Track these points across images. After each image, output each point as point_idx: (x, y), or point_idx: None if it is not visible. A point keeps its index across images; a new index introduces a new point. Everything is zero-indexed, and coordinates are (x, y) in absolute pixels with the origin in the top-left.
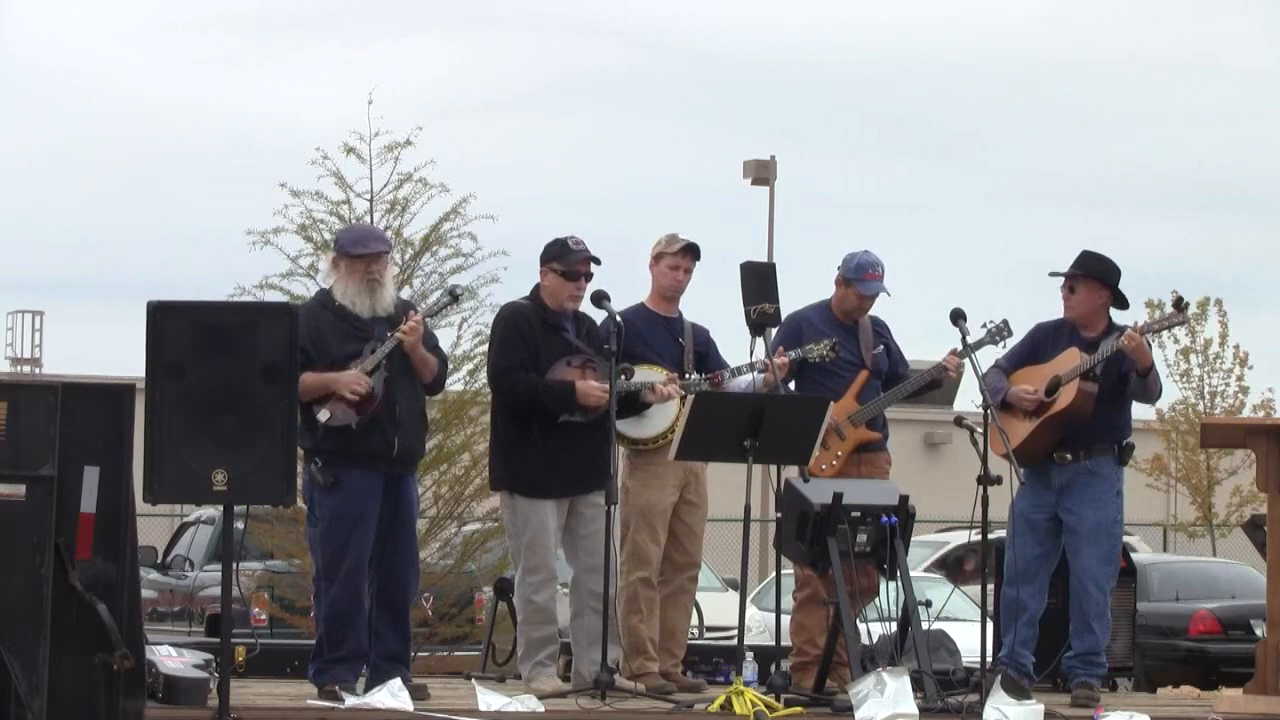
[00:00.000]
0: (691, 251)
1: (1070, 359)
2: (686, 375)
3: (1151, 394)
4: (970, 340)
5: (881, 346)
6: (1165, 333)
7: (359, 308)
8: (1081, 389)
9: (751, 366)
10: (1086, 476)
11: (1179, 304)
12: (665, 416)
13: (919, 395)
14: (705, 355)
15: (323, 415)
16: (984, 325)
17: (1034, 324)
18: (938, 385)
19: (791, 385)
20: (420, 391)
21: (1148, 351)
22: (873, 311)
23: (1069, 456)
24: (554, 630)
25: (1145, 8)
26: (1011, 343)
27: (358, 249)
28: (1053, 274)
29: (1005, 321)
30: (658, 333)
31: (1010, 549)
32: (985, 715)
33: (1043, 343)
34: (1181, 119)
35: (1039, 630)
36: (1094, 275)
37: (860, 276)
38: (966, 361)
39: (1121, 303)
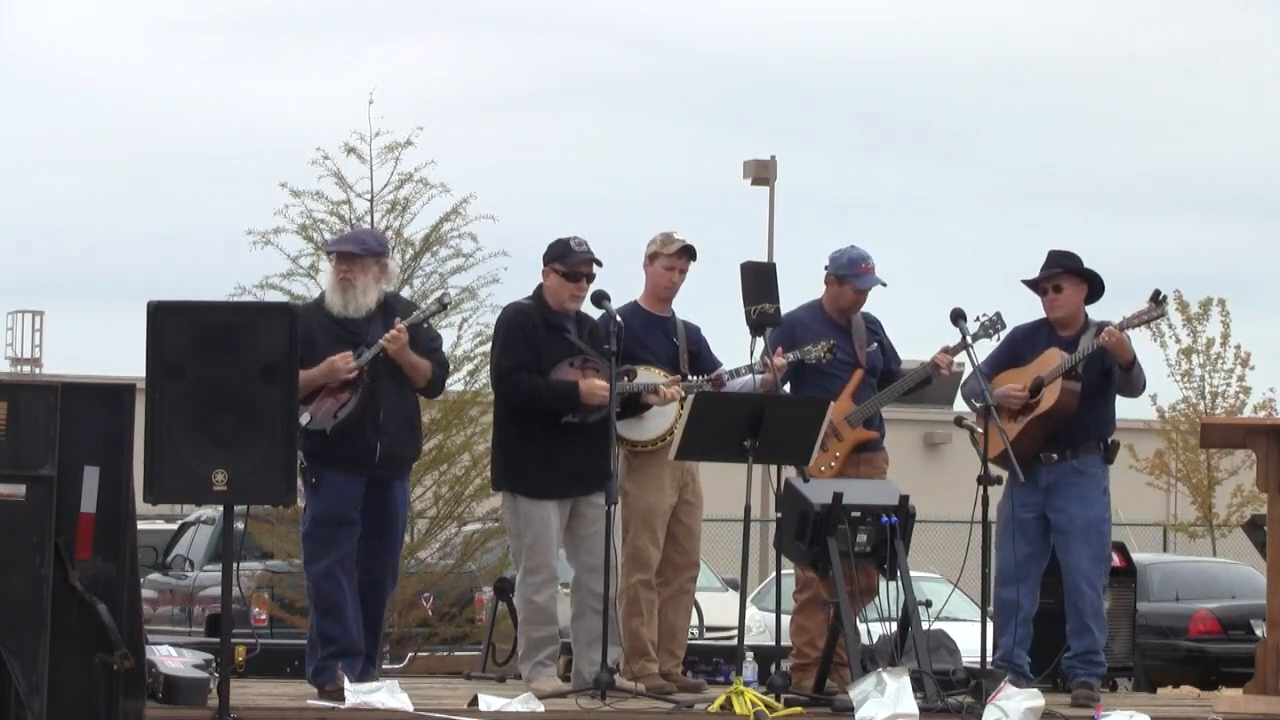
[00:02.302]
0: (688, 253)
1: (1051, 359)
2: (686, 377)
3: (1136, 387)
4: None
5: (875, 344)
6: (1147, 327)
7: (335, 307)
8: (1065, 388)
9: (751, 369)
10: (1074, 475)
11: (1156, 297)
12: (664, 419)
13: (912, 393)
14: (698, 354)
15: (303, 418)
16: (976, 319)
17: (1011, 328)
18: (929, 382)
19: (787, 387)
20: (411, 396)
21: (1128, 347)
22: (865, 308)
23: (1055, 456)
24: (554, 630)
25: (1145, 8)
26: (1003, 337)
27: (330, 248)
28: (1034, 280)
29: (998, 314)
30: (653, 333)
31: (1002, 549)
32: (985, 715)
33: (1021, 345)
34: (1181, 119)
35: (1037, 630)
36: (1076, 271)
37: (854, 271)
38: (965, 359)
39: (1096, 294)
